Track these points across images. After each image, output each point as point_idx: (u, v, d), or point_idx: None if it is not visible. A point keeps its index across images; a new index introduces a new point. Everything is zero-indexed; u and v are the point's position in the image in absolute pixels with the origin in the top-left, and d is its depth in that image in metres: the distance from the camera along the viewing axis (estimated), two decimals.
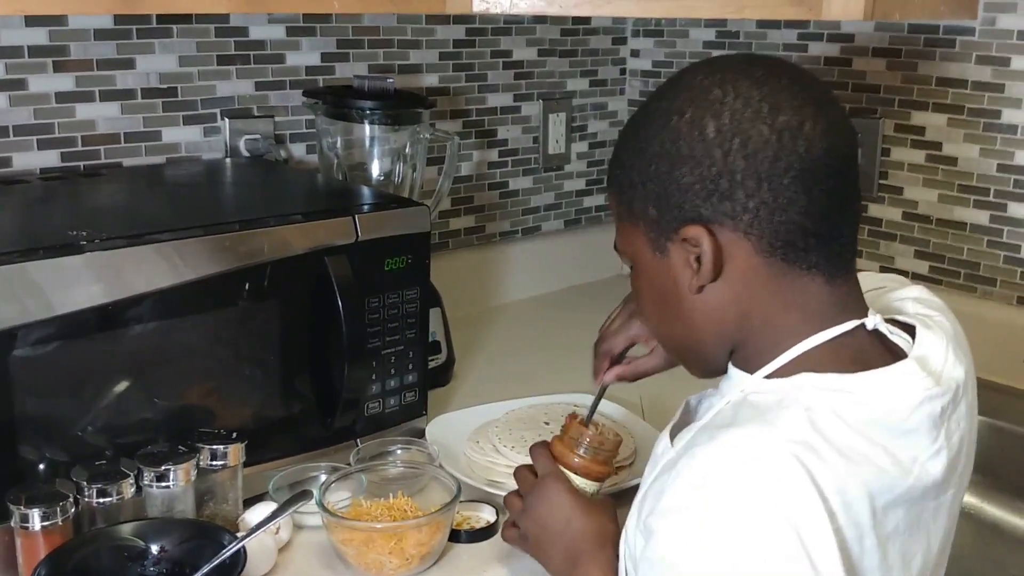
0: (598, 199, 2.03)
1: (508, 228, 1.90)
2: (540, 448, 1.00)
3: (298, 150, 1.59)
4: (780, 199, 0.78)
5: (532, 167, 1.91)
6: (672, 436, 0.86)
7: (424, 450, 1.22)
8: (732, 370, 0.86)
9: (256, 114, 1.53)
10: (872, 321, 0.82)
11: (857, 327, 0.81)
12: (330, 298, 1.14)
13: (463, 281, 1.77)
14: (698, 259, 0.80)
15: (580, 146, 1.98)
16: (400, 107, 1.50)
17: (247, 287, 1.10)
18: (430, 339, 1.38)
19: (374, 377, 1.22)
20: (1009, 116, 1.53)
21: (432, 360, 1.42)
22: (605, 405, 1.36)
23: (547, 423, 1.29)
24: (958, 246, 1.61)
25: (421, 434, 1.27)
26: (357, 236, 1.17)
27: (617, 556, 0.88)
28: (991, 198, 1.57)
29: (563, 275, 1.95)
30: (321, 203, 1.35)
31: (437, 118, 1.72)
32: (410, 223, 1.22)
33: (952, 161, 1.60)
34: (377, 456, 1.21)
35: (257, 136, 1.52)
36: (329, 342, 1.16)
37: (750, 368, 0.83)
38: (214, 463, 1.04)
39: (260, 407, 1.15)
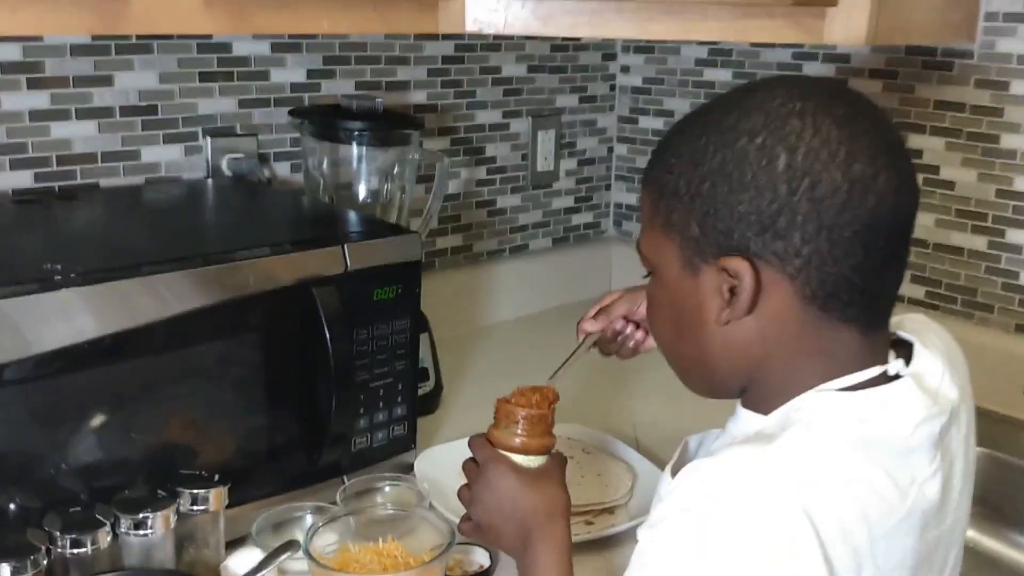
0: (586, 216, 2.00)
1: (495, 247, 1.86)
2: (477, 438, 0.99)
3: (282, 169, 1.54)
4: (836, 251, 0.74)
5: (520, 185, 1.87)
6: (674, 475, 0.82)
7: (413, 487, 1.18)
8: (741, 411, 0.83)
9: (239, 132, 1.48)
10: (895, 367, 0.79)
11: (879, 375, 0.78)
12: (317, 330, 1.10)
13: (450, 302, 1.73)
14: (731, 290, 0.77)
15: (569, 163, 1.94)
16: (389, 128, 1.47)
17: (231, 321, 1.05)
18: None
19: (362, 411, 1.18)
20: (1008, 141, 1.50)
21: (419, 388, 1.38)
22: (594, 436, 1.33)
23: None
24: (955, 272, 1.59)
25: (410, 468, 1.23)
26: (346, 266, 1.13)
27: (568, 527, 0.89)
28: (989, 224, 1.54)
29: (551, 294, 1.92)
30: (308, 230, 1.31)
31: (425, 136, 1.68)
32: (401, 252, 1.18)
33: (950, 185, 1.58)
34: (364, 493, 1.17)
35: (240, 155, 1.47)
36: (315, 375, 1.12)
37: (762, 408, 0.80)
38: (195, 508, 0.99)
39: (243, 445, 1.10)
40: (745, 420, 0.82)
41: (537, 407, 0.98)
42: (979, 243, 1.56)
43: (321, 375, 1.11)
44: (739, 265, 0.75)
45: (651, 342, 1.12)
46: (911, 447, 0.76)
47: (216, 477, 1.02)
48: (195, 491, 0.99)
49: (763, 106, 0.76)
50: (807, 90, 0.77)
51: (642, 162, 1.96)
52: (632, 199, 2.00)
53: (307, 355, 1.11)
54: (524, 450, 0.95)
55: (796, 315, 0.77)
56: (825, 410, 0.75)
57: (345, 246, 1.13)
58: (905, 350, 0.82)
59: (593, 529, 1.12)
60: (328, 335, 1.10)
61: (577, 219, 1.99)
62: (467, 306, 1.80)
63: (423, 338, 1.42)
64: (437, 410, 1.45)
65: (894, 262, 0.78)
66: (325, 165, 1.46)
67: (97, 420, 0.99)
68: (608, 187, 2.02)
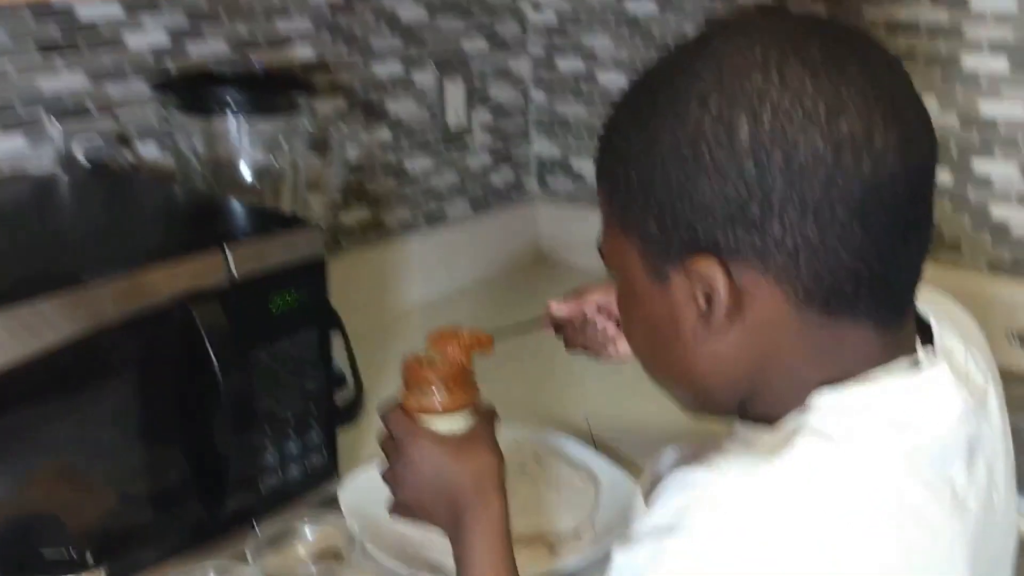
0: (506, 175, 1.80)
1: (408, 218, 1.66)
2: (388, 409, 0.86)
3: (149, 151, 1.31)
4: (829, 237, 0.58)
5: (430, 145, 1.67)
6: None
7: (340, 527, 0.99)
8: (741, 429, 0.68)
9: (93, 112, 1.25)
10: (925, 357, 0.64)
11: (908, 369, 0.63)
12: (202, 357, 0.90)
13: (360, 286, 1.52)
14: (708, 297, 0.61)
15: (482, 115, 1.74)
16: (271, 92, 1.26)
17: (97, 357, 0.85)
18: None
19: (268, 445, 0.99)
20: (970, 63, 1.36)
21: (337, 396, 1.19)
22: (544, 437, 1.16)
23: None
24: None
25: (334, 501, 1.05)
26: (231, 274, 0.92)
27: (502, 496, 0.80)
28: (954, 155, 1.40)
29: (475, 266, 1.73)
30: (182, 230, 1.09)
31: (315, 98, 1.45)
32: (299, 249, 0.99)
33: None
34: (281, 540, 0.98)
35: (97, 139, 1.24)
36: (208, 410, 0.92)
37: (765, 422, 0.65)
38: None
39: (125, 503, 0.91)
40: (746, 436, 0.67)
41: (451, 359, 0.84)
42: (943, 177, 1.41)
43: (213, 410, 0.92)
44: (708, 267, 0.61)
45: (621, 347, 0.95)
46: (949, 453, 0.62)
47: (89, 556, 0.82)
48: None
49: (717, 60, 0.60)
50: (772, 32, 0.61)
51: (563, 109, 1.78)
52: (555, 151, 1.81)
53: (195, 387, 0.91)
54: (444, 410, 0.83)
55: (791, 321, 0.61)
56: (845, 412, 0.60)
57: (227, 249, 0.92)
58: (924, 331, 0.68)
59: (558, 558, 0.96)
60: (216, 362, 0.90)
61: (496, 179, 1.79)
62: (381, 289, 1.60)
63: (335, 337, 1.23)
64: (360, 418, 1.26)
65: (911, 236, 0.62)
66: (199, 144, 1.23)
67: None
68: (527, 139, 1.83)
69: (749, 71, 0.58)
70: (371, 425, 1.24)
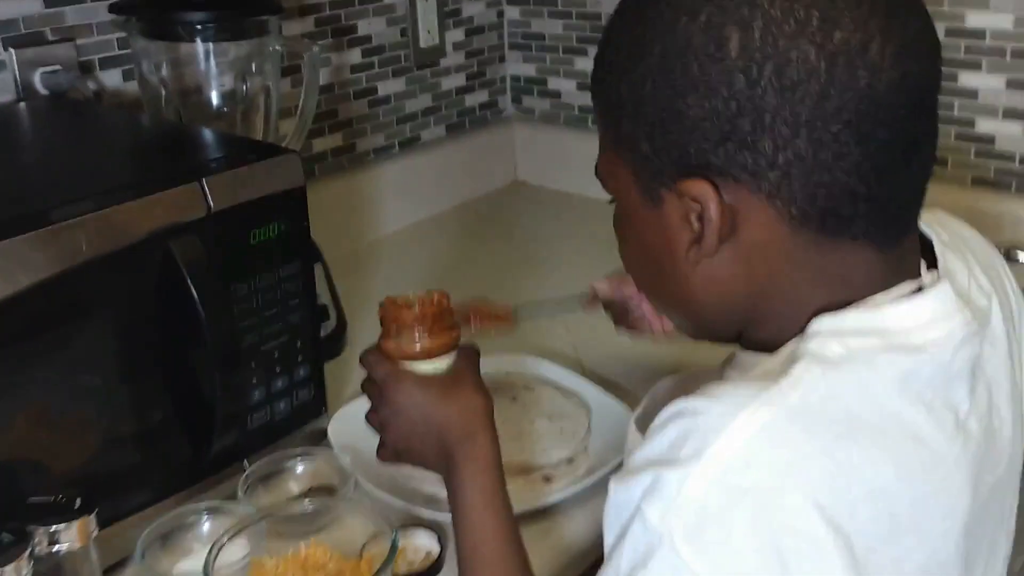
0: (481, 95, 1.76)
1: (383, 143, 1.61)
2: (370, 353, 0.85)
3: (112, 79, 1.25)
4: (823, 154, 0.57)
5: (403, 66, 1.62)
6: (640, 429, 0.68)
7: (331, 461, 0.98)
8: (741, 356, 0.67)
9: (51, 39, 1.19)
10: (930, 280, 0.63)
11: (912, 292, 0.62)
12: (183, 293, 0.87)
13: (335, 214, 1.48)
14: (700, 219, 0.60)
15: (455, 34, 1.69)
16: (240, 15, 1.20)
17: (72, 297, 0.81)
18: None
19: (255, 381, 0.96)
20: None
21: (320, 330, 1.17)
22: (532, 366, 1.14)
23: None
24: None
25: (323, 436, 1.03)
26: (209, 207, 0.89)
27: (492, 434, 0.79)
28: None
29: (452, 190, 1.70)
30: (154, 162, 1.04)
31: (284, 19, 1.40)
32: (278, 178, 0.95)
33: None
34: (272, 477, 0.96)
35: (56, 68, 1.18)
36: (191, 347, 0.89)
37: (765, 349, 0.63)
38: (55, 548, 0.77)
39: (111, 447, 0.88)
40: (745, 362, 0.66)
41: (430, 300, 0.83)
42: None
43: (197, 347, 0.89)
44: (700, 189, 0.59)
45: (666, 324, 0.93)
46: (951, 377, 0.61)
47: (78, 502, 0.79)
48: (53, 528, 0.77)
49: None
50: None
51: (538, 25, 1.73)
52: (531, 70, 1.77)
53: (177, 325, 0.88)
54: (426, 355, 0.81)
55: (787, 242, 0.60)
56: (845, 337, 0.59)
57: (204, 181, 0.88)
58: (928, 254, 0.67)
59: (555, 487, 0.95)
60: (197, 297, 0.87)
61: (471, 100, 1.74)
62: (355, 216, 1.56)
63: (316, 270, 1.19)
64: (344, 350, 1.23)
65: (912, 154, 0.60)
66: (165, 70, 1.18)
67: None
68: (502, 59, 1.78)
69: None
70: (355, 358, 1.21)
